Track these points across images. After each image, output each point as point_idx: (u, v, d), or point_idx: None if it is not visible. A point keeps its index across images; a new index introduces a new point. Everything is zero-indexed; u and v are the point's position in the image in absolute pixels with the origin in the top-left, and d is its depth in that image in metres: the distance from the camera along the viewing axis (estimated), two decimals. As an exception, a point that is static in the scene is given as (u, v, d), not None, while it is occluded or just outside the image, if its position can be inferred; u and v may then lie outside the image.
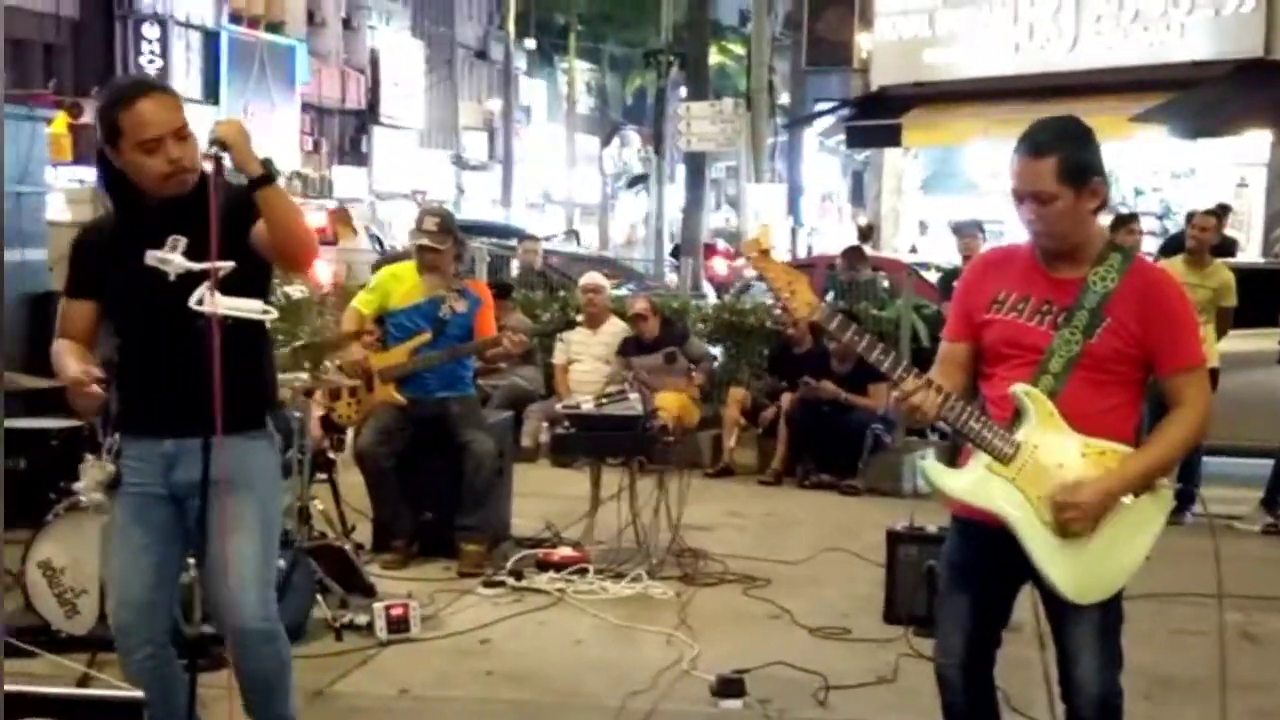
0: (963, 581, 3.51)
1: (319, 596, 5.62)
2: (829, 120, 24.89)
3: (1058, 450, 3.29)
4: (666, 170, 33.34)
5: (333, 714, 4.82)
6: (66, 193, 11.51)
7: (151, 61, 26.64)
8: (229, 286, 3.33)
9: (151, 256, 3.41)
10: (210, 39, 29.26)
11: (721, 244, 25.52)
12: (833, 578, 6.80)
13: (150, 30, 27.05)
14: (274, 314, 3.58)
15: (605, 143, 47.60)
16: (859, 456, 9.11)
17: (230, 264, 3.31)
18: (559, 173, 48.44)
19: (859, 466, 9.11)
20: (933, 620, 3.87)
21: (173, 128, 3.45)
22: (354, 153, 38.66)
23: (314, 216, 17.25)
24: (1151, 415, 3.43)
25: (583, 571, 6.54)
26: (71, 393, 3.41)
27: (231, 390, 3.31)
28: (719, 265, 23.09)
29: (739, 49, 36.16)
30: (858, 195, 38.68)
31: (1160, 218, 18.25)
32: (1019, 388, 3.30)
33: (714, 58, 32.34)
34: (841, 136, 23.35)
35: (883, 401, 8.91)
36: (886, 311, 10.53)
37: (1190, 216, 8.59)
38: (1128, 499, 3.30)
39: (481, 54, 48.59)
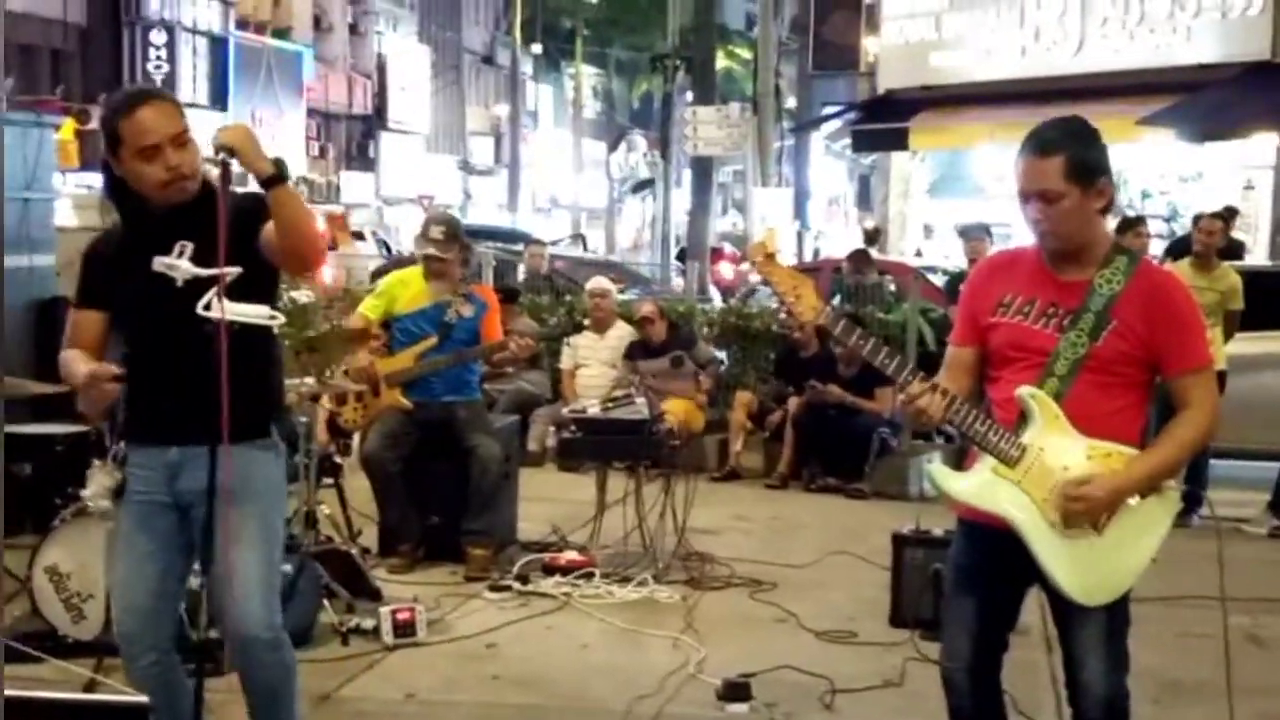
0: (969, 585, 3.50)
1: (325, 601, 5.61)
2: (835, 124, 24.91)
3: (1064, 453, 3.28)
4: (673, 174, 33.34)
5: (339, 718, 4.83)
6: (74, 198, 11.58)
7: (159, 68, 26.70)
8: (236, 292, 3.33)
9: (159, 263, 3.42)
10: (217, 45, 29.31)
11: (728, 248, 25.51)
12: (839, 581, 6.79)
13: (157, 36, 27.09)
14: (281, 319, 3.59)
15: (612, 147, 47.62)
16: (865, 460, 9.10)
17: (238, 269, 3.32)
18: (565, 177, 48.52)
19: (865, 470, 9.10)
20: (939, 624, 3.86)
21: (171, 134, 3.45)
22: (361, 158, 38.73)
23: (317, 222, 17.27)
24: (1159, 417, 3.43)
25: (589, 576, 6.53)
26: (86, 388, 3.40)
27: (238, 398, 3.31)
28: (725, 269, 23.10)
29: (745, 53, 36.17)
30: (864, 199, 38.75)
31: (1167, 220, 18.23)
32: (1024, 390, 3.30)
33: (720, 62, 32.39)
34: (848, 140, 23.35)
35: (889, 405, 8.90)
36: (893, 315, 10.53)
37: (1197, 219, 8.57)
38: (1134, 500, 3.29)
39: (488, 59, 48.68)
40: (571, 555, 6.78)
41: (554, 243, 22.41)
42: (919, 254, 20.02)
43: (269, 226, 3.44)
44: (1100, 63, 17.00)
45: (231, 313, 3.33)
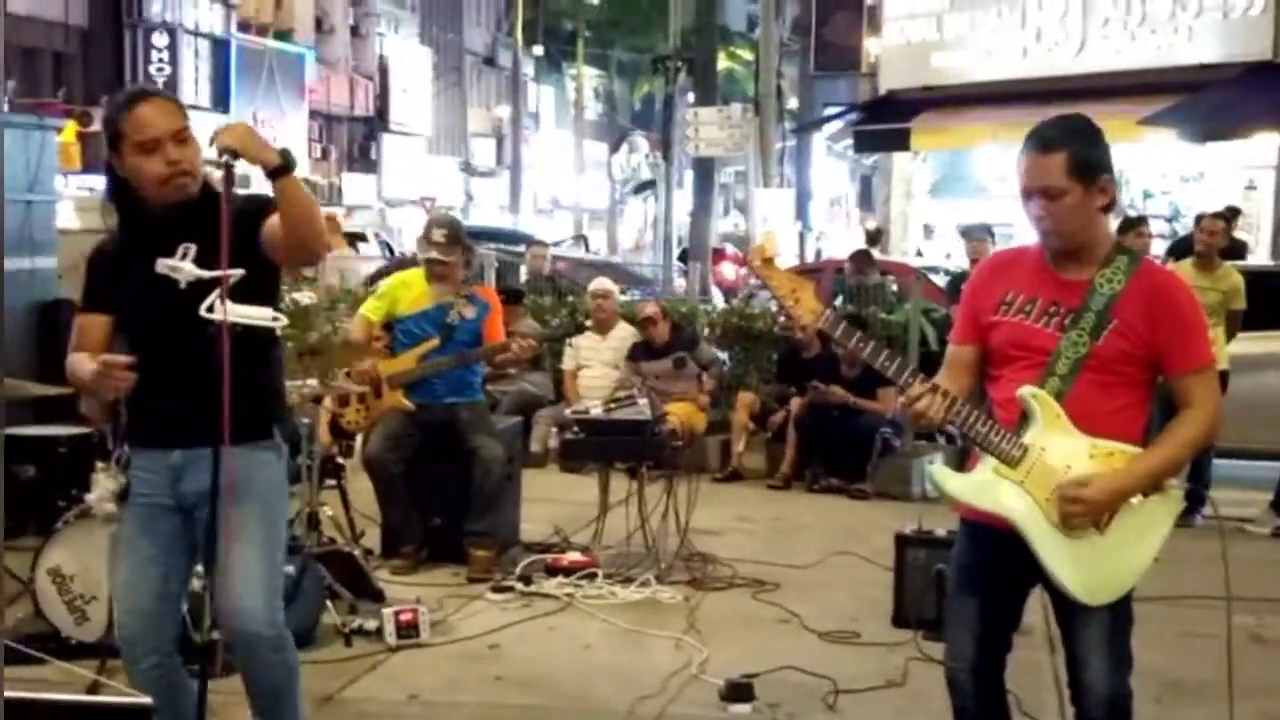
0: (972, 585, 3.50)
1: (328, 602, 5.62)
2: (837, 125, 24.91)
3: (1065, 452, 3.28)
4: (675, 175, 33.34)
5: (342, 719, 4.83)
6: (76, 201, 11.58)
7: (161, 70, 26.70)
8: (239, 294, 3.34)
9: (162, 265, 3.43)
10: (219, 47, 29.31)
11: (730, 249, 25.50)
12: (842, 582, 6.79)
13: (159, 39, 27.09)
14: (284, 321, 3.59)
15: (613, 148, 47.63)
16: (868, 460, 9.10)
17: (241, 271, 3.32)
18: (567, 178, 48.50)
19: (868, 470, 9.10)
20: (942, 624, 3.86)
21: (172, 130, 3.47)
22: (363, 159, 38.74)
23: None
24: (1161, 416, 3.43)
25: (591, 576, 6.53)
26: (99, 378, 3.40)
27: (240, 399, 3.32)
28: (727, 270, 23.10)
29: (747, 54, 36.19)
30: (866, 199, 38.74)
31: (1169, 220, 18.24)
32: (1026, 390, 3.30)
33: (722, 63, 32.35)
34: (849, 141, 23.35)
35: (891, 405, 8.90)
36: (895, 315, 10.53)
37: (1199, 219, 8.57)
38: (1136, 499, 3.29)
39: (490, 60, 48.66)
40: (574, 556, 6.79)
41: (556, 244, 22.43)
42: (919, 254, 20.02)
43: (270, 224, 3.44)
44: (1102, 63, 17.00)
45: (234, 314, 3.33)
